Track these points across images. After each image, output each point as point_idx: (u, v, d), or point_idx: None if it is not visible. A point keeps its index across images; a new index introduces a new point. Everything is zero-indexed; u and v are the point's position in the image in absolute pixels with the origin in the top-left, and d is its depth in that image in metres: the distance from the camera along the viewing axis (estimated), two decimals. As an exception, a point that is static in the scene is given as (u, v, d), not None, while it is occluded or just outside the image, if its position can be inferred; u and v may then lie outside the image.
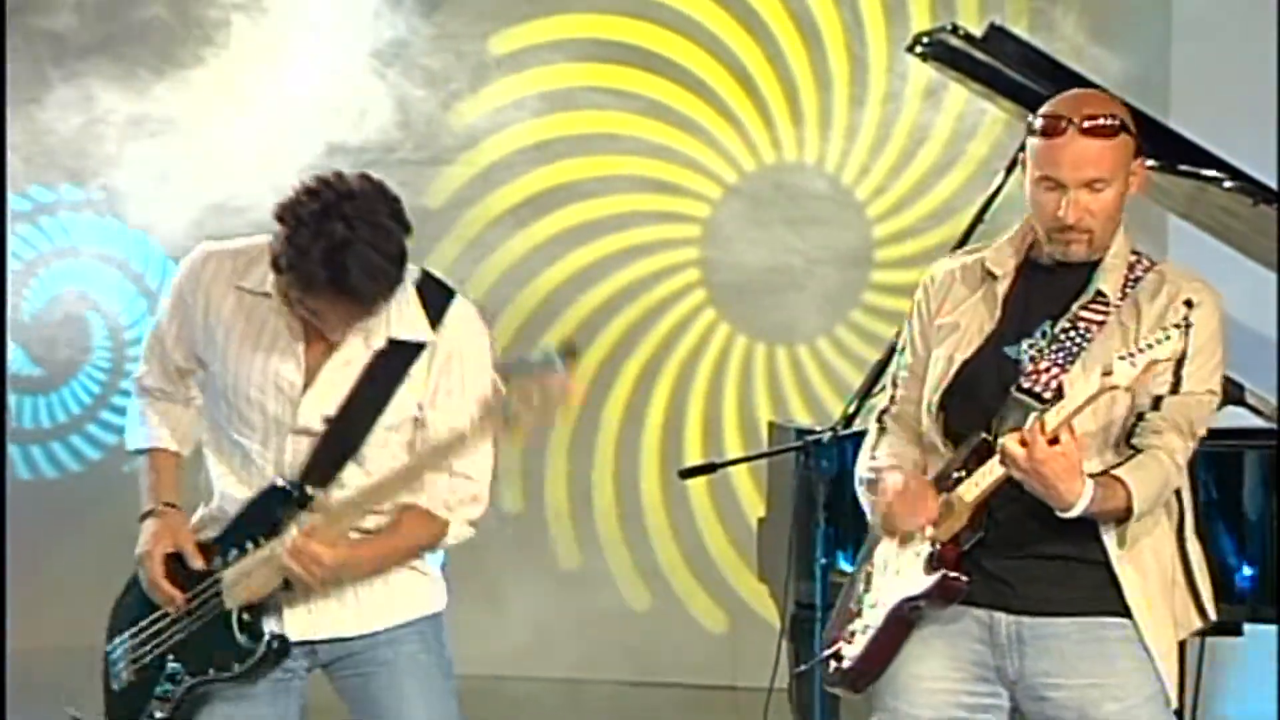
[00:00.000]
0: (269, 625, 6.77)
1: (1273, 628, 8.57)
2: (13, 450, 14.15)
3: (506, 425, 6.54)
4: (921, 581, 6.42)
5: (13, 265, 11.99)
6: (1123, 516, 6.19)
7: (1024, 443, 6.00)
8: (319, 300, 6.59)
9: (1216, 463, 8.23)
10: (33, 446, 15.06)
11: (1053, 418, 6.01)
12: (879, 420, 6.82)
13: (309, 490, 6.72)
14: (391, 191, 6.64)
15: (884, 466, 6.56)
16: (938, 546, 6.38)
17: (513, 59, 13.43)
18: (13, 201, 12.83)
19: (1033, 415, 6.11)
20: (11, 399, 14.78)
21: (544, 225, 13.96)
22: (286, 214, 6.52)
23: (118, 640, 7.01)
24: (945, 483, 6.40)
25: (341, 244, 6.48)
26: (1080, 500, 6.04)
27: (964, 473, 6.34)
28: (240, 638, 6.78)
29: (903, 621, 6.53)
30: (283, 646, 6.76)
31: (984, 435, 6.33)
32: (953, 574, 6.36)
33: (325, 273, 6.45)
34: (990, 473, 6.23)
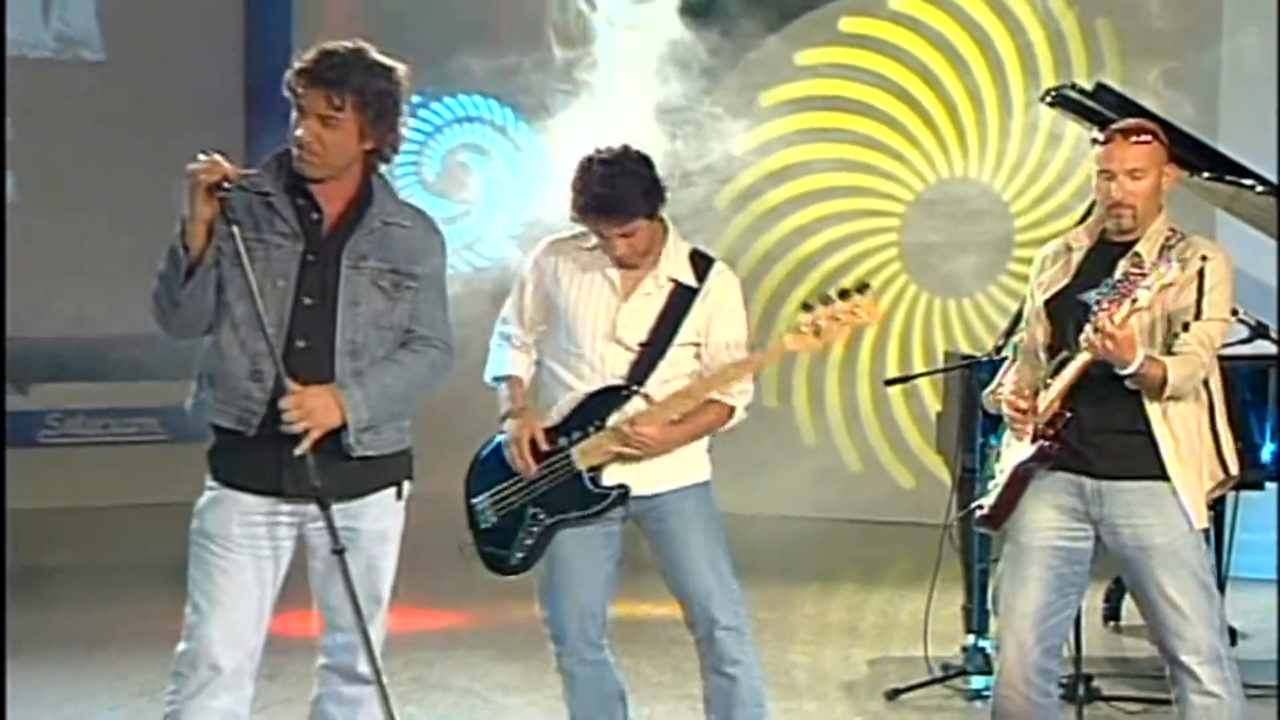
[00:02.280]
0: (608, 480, 6.88)
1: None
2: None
3: (819, 336, 6.83)
4: (1029, 450, 6.54)
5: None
6: (1160, 387, 6.34)
7: (1103, 326, 6.20)
8: (602, 221, 6.84)
9: (1249, 376, 8.28)
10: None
11: (1121, 313, 6.19)
12: (1014, 348, 6.98)
13: (634, 388, 6.83)
14: (643, 156, 6.91)
15: (1006, 387, 6.72)
16: (1039, 426, 6.50)
17: (769, 110, 13.45)
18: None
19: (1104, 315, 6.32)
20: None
21: (788, 222, 14.12)
22: (576, 179, 6.83)
23: (481, 496, 7.08)
24: (1043, 382, 6.56)
25: (600, 180, 6.76)
26: (1135, 360, 6.26)
27: (1053, 377, 6.48)
28: (591, 490, 6.88)
29: (1019, 479, 6.62)
30: (624, 493, 6.87)
31: (1065, 355, 6.48)
32: (1047, 444, 6.51)
33: (592, 199, 6.75)
34: (1072, 368, 6.42)
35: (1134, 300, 6.22)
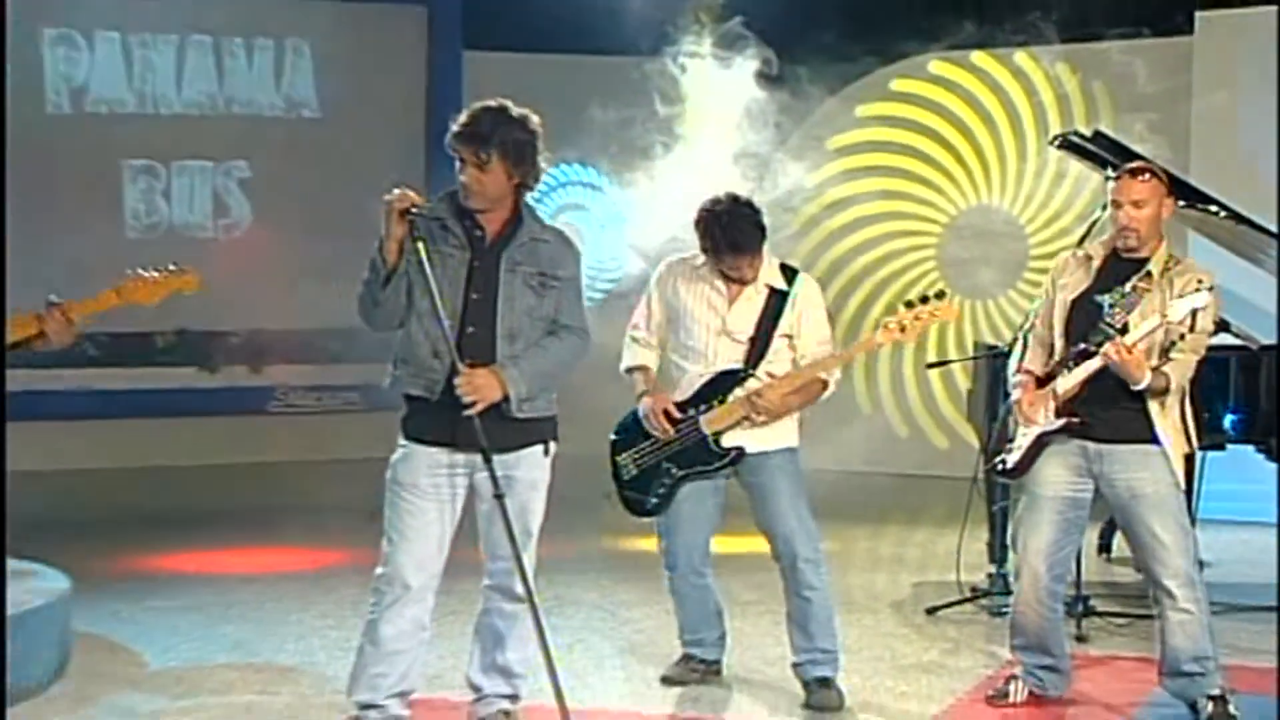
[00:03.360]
0: (727, 443, 6.87)
1: (1248, 448, 8.44)
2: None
3: (904, 333, 6.92)
4: (1053, 423, 6.56)
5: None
6: (1164, 391, 6.39)
7: (1120, 349, 6.23)
8: (729, 257, 6.86)
9: (1215, 363, 8.07)
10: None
11: (1133, 336, 6.29)
12: (1024, 336, 6.97)
13: (750, 370, 6.87)
14: (749, 200, 6.93)
15: (1020, 378, 6.76)
16: (1059, 403, 6.52)
17: (830, 153, 13.33)
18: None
19: (1114, 335, 6.36)
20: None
21: (845, 242, 13.91)
22: (699, 224, 6.88)
23: (625, 454, 7.10)
24: (1061, 369, 6.57)
25: (726, 226, 6.79)
26: (1145, 378, 6.29)
27: (1072, 364, 6.50)
28: (714, 449, 6.91)
29: (1038, 443, 6.63)
30: (740, 453, 6.91)
31: (1083, 345, 6.48)
32: (1067, 418, 6.53)
33: (725, 241, 6.78)
34: (1090, 366, 6.43)
35: (1164, 315, 6.25)
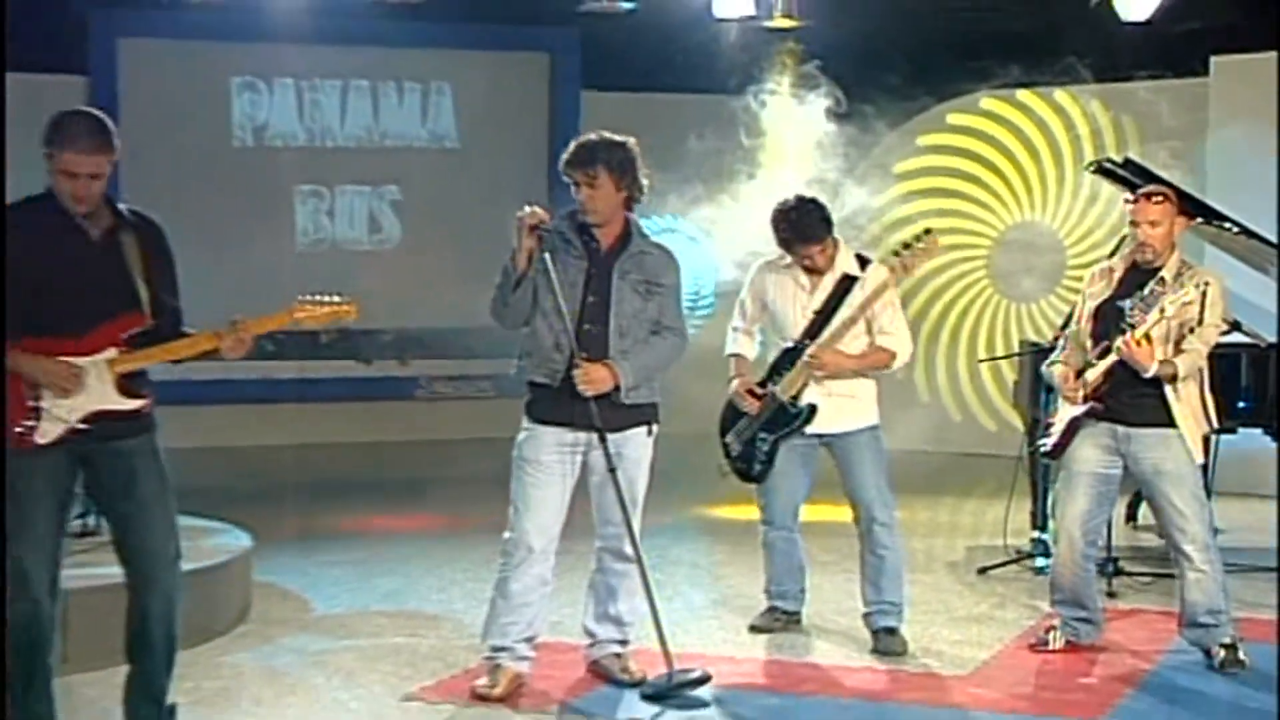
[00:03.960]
0: (802, 402, 6.87)
1: (1256, 430, 8.34)
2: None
3: (906, 270, 6.95)
4: (1083, 407, 6.56)
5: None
6: (1173, 379, 6.37)
7: (1128, 342, 6.26)
8: (800, 246, 6.87)
9: (1229, 358, 8.02)
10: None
11: (1140, 331, 6.28)
12: (1063, 336, 7.04)
13: (805, 343, 6.84)
14: (814, 198, 6.95)
15: (1058, 368, 6.74)
16: (1088, 391, 6.52)
17: (892, 177, 13.23)
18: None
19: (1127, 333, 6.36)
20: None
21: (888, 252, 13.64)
22: (774, 221, 6.90)
23: (729, 434, 7.10)
24: (1092, 361, 6.54)
25: (795, 221, 6.84)
26: (1151, 369, 6.32)
27: (1099, 358, 6.49)
28: (790, 410, 6.90)
29: (1074, 425, 6.62)
30: (812, 409, 6.87)
31: (1106, 343, 6.47)
32: (1095, 404, 6.54)
33: (796, 233, 6.83)
34: (1110, 359, 6.43)
35: (1162, 309, 6.22)
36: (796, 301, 6.96)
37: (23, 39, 11.84)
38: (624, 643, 6.35)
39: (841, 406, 6.90)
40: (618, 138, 6.08)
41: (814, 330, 6.88)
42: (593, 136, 6.09)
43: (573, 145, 6.10)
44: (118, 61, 13.01)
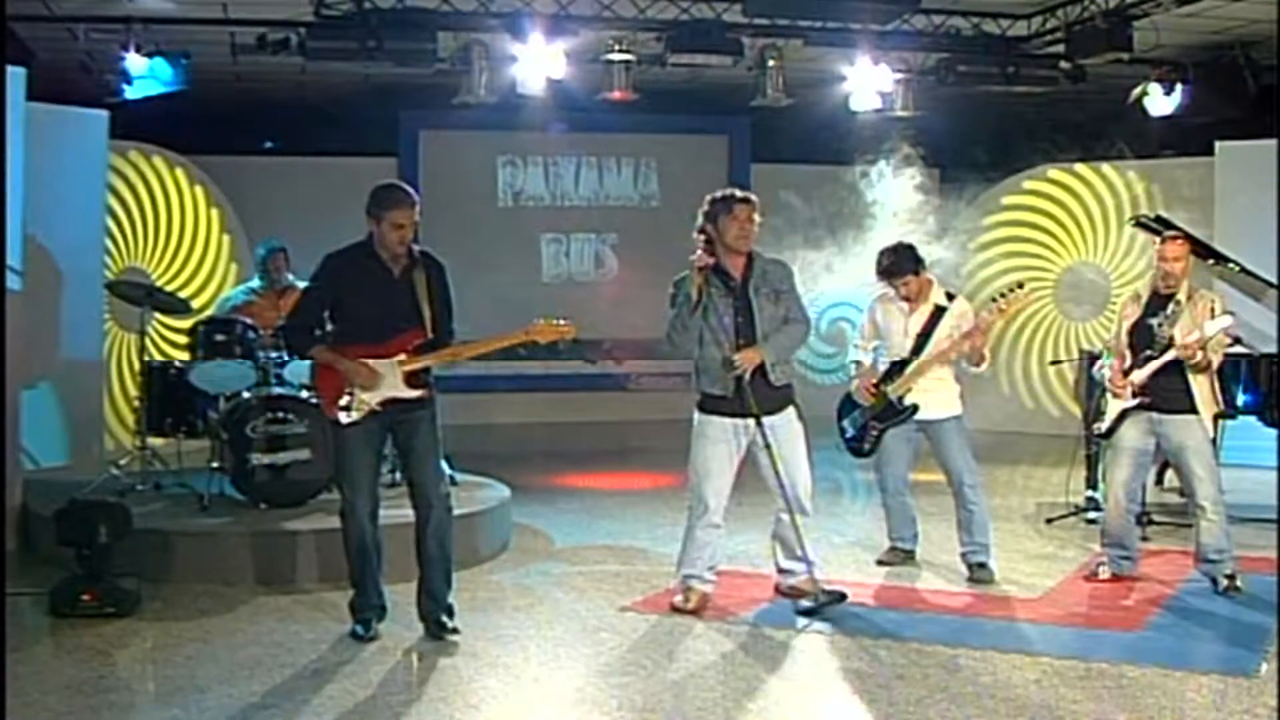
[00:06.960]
0: (908, 402, 6.81)
1: (1253, 419, 8.13)
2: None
3: (1003, 314, 6.77)
4: (1132, 401, 6.47)
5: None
6: (1208, 366, 6.30)
7: (1183, 346, 6.21)
8: (895, 277, 6.79)
9: (1236, 363, 7.81)
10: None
11: (1191, 339, 6.20)
12: (1107, 347, 6.81)
13: (912, 357, 6.80)
14: (908, 243, 6.90)
15: (1107, 371, 6.60)
16: (1135, 386, 6.40)
17: (976, 230, 12.98)
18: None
19: (1163, 343, 6.27)
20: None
21: (988, 290, 13.27)
22: (878, 261, 6.84)
23: (845, 420, 7.03)
24: (1133, 368, 6.42)
25: (892, 259, 6.79)
26: (1198, 354, 6.22)
27: (1141, 364, 6.39)
28: (897, 406, 6.85)
29: (1121, 416, 6.52)
30: (915, 408, 6.83)
31: (1147, 352, 6.39)
32: (1142, 397, 6.42)
33: (893, 267, 6.78)
34: (1154, 364, 6.33)
35: (1203, 332, 6.16)
36: (898, 325, 6.90)
37: (350, 132, 12.39)
38: (805, 573, 6.22)
39: (932, 401, 6.82)
40: (744, 194, 6.14)
41: (918, 348, 6.83)
42: (715, 196, 6.15)
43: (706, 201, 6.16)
44: (419, 147, 13.36)
